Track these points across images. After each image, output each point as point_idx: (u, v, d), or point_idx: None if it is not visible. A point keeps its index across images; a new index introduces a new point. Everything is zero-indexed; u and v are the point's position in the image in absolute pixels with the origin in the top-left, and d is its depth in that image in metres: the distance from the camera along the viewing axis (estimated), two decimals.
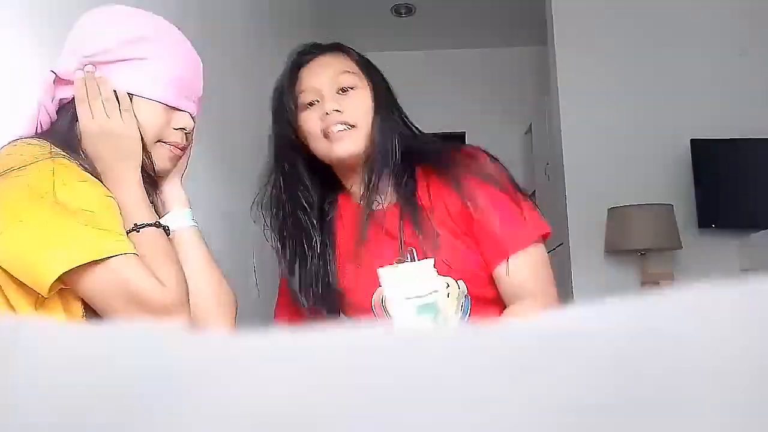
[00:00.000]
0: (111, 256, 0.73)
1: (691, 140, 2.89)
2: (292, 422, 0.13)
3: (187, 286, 0.82)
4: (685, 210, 2.87)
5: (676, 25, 3.12)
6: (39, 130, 0.86)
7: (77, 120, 0.84)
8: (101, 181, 0.82)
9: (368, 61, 1.14)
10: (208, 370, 0.15)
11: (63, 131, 0.85)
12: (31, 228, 0.73)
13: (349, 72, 1.08)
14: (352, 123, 1.05)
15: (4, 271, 0.74)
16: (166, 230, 0.87)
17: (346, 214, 1.13)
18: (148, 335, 0.17)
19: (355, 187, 1.11)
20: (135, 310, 0.75)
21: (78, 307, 0.78)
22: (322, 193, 1.14)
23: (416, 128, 1.16)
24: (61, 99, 0.86)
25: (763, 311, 0.16)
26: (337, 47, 1.13)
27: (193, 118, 0.92)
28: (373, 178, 1.06)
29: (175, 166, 0.94)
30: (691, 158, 2.89)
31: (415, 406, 0.14)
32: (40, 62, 1.15)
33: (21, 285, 0.74)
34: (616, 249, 2.85)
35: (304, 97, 1.07)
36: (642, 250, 2.80)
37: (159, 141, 0.89)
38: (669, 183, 2.97)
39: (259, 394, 0.14)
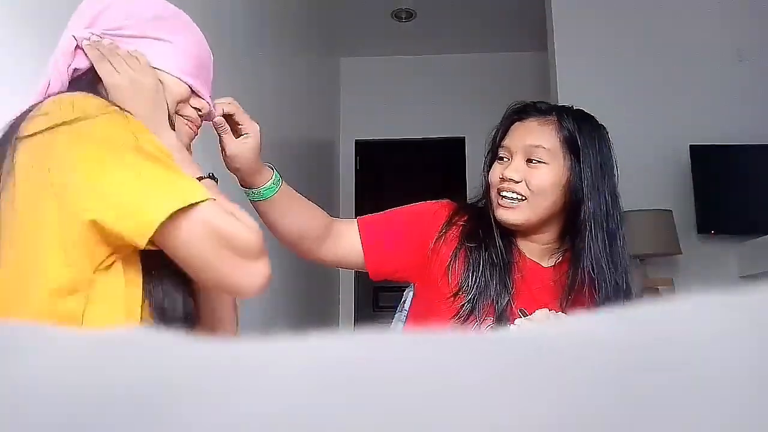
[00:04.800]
0: (200, 201, 0.71)
1: (690, 146, 2.90)
2: (294, 430, 0.13)
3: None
4: (684, 216, 2.87)
5: (675, 32, 3.13)
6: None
7: (92, 89, 0.81)
8: None
9: (584, 134, 1.11)
10: (209, 377, 0.15)
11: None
12: (124, 176, 0.70)
13: (545, 149, 1.09)
14: (524, 195, 1.10)
15: (68, 231, 0.70)
16: (215, 179, 0.86)
17: (522, 264, 1.16)
18: (149, 340, 0.18)
19: (522, 244, 1.16)
20: (227, 255, 0.72)
21: (138, 273, 0.76)
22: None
23: (619, 210, 1.14)
24: (75, 69, 0.84)
25: (763, 317, 0.16)
26: (557, 113, 1.14)
27: (208, 103, 0.92)
28: (563, 258, 1.14)
29: (190, 142, 0.93)
30: (690, 164, 2.89)
31: (415, 413, 0.14)
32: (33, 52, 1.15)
33: (85, 246, 0.71)
34: None
35: (501, 151, 1.14)
36: (641, 256, 2.80)
37: (177, 113, 0.89)
38: (668, 189, 2.97)
39: (262, 401, 0.14)
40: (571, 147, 1.10)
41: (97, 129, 0.71)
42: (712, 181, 2.86)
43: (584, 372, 0.15)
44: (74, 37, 0.82)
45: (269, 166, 1.12)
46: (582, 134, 1.11)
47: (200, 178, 0.81)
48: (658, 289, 2.76)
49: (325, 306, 4.01)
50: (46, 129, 0.71)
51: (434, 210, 1.20)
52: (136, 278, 0.76)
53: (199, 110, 0.91)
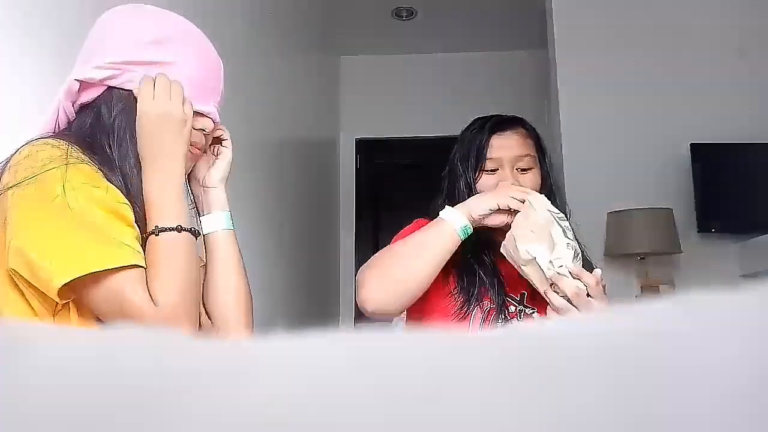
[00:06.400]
0: (113, 268, 0.73)
1: (691, 144, 2.90)
2: (294, 429, 0.13)
3: (191, 299, 0.80)
4: (684, 214, 2.87)
5: (675, 29, 3.13)
6: (56, 130, 0.87)
7: (99, 120, 0.85)
8: (126, 180, 0.82)
9: (541, 140, 1.33)
10: (209, 376, 0.15)
11: (82, 130, 0.85)
12: (39, 235, 0.72)
13: (530, 156, 1.27)
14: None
15: (23, 277, 0.74)
16: (193, 231, 0.85)
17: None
18: (149, 340, 0.18)
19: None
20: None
21: (92, 316, 0.77)
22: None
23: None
24: (82, 103, 0.87)
25: (764, 316, 0.16)
26: (522, 124, 1.32)
27: (213, 120, 0.93)
28: None
29: (193, 166, 0.96)
30: (690, 162, 2.89)
31: (414, 412, 0.14)
32: (38, 64, 1.15)
33: (39, 291, 0.74)
34: (615, 253, 2.85)
35: (489, 164, 1.27)
36: (641, 254, 2.80)
37: None
38: (668, 187, 2.97)
39: (262, 401, 0.14)
40: (540, 151, 1.31)
41: (32, 189, 0.74)
42: (713, 180, 2.86)
43: (583, 370, 0.15)
44: (77, 80, 0.85)
45: None
46: (541, 140, 1.33)
47: (158, 231, 0.80)
48: (658, 287, 2.75)
49: (325, 306, 4.01)
50: (7, 188, 0.75)
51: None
52: (91, 317, 0.77)
53: (203, 130, 0.92)
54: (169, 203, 0.82)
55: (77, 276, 0.71)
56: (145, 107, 0.83)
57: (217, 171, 0.98)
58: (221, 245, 0.94)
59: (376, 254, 1.22)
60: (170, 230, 0.80)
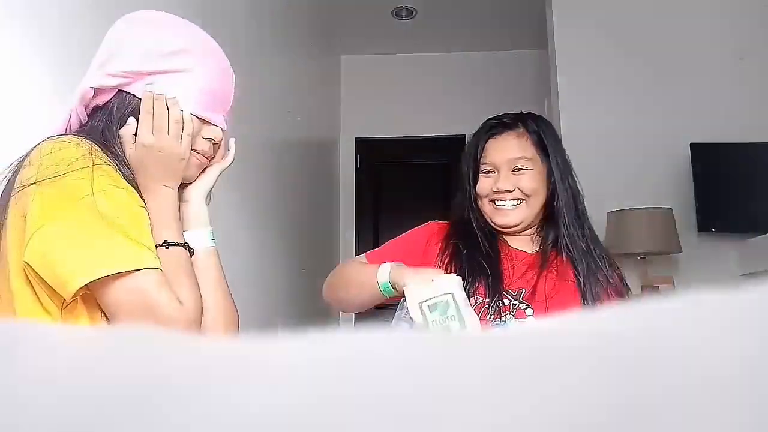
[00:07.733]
0: (137, 269, 0.74)
1: (691, 144, 2.90)
2: (293, 430, 0.13)
3: (201, 306, 0.83)
4: (684, 214, 2.87)
5: (675, 29, 3.13)
6: (68, 131, 0.88)
7: (113, 123, 0.86)
8: (137, 186, 0.84)
9: (548, 136, 1.31)
10: (209, 376, 0.15)
11: (96, 131, 0.86)
12: (63, 231, 0.73)
13: (526, 158, 1.28)
14: (521, 198, 1.29)
15: (36, 272, 0.74)
16: (191, 250, 0.88)
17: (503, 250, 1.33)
18: (149, 340, 0.18)
19: (509, 239, 1.34)
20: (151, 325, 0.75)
21: (99, 315, 0.78)
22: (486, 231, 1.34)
23: (581, 189, 1.36)
24: (95, 106, 0.88)
25: (764, 316, 0.16)
26: (522, 122, 1.32)
27: (223, 130, 0.94)
28: (542, 243, 1.32)
29: (199, 173, 0.96)
30: (690, 162, 2.89)
31: (414, 412, 0.14)
32: (44, 63, 1.15)
33: (40, 285, 0.75)
34: (615, 253, 2.84)
35: (485, 167, 1.32)
36: (641, 254, 2.80)
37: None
38: (669, 187, 2.97)
39: (261, 401, 0.14)
40: (542, 148, 1.30)
41: (58, 187, 0.74)
42: (713, 179, 2.86)
43: (582, 370, 0.15)
44: (92, 87, 0.86)
45: None
46: (546, 135, 1.31)
47: (168, 244, 0.82)
48: (658, 287, 2.75)
49: (325, 305, 4.01)
50: (28, 184, 0.75)
51: (431, 232, 1.36)
52: (98, 315, 0.78)
53: (212, 139, 0.92)
54: (165, 223, 0.85)
55: (101, 276, 0.72)
56: (141, 137, 0.84)
57: (200, 186, 0.96)
58: (203, 263, 0.92)
59: (345, 263, 1.35)
60: (178, 245, 0.84)
